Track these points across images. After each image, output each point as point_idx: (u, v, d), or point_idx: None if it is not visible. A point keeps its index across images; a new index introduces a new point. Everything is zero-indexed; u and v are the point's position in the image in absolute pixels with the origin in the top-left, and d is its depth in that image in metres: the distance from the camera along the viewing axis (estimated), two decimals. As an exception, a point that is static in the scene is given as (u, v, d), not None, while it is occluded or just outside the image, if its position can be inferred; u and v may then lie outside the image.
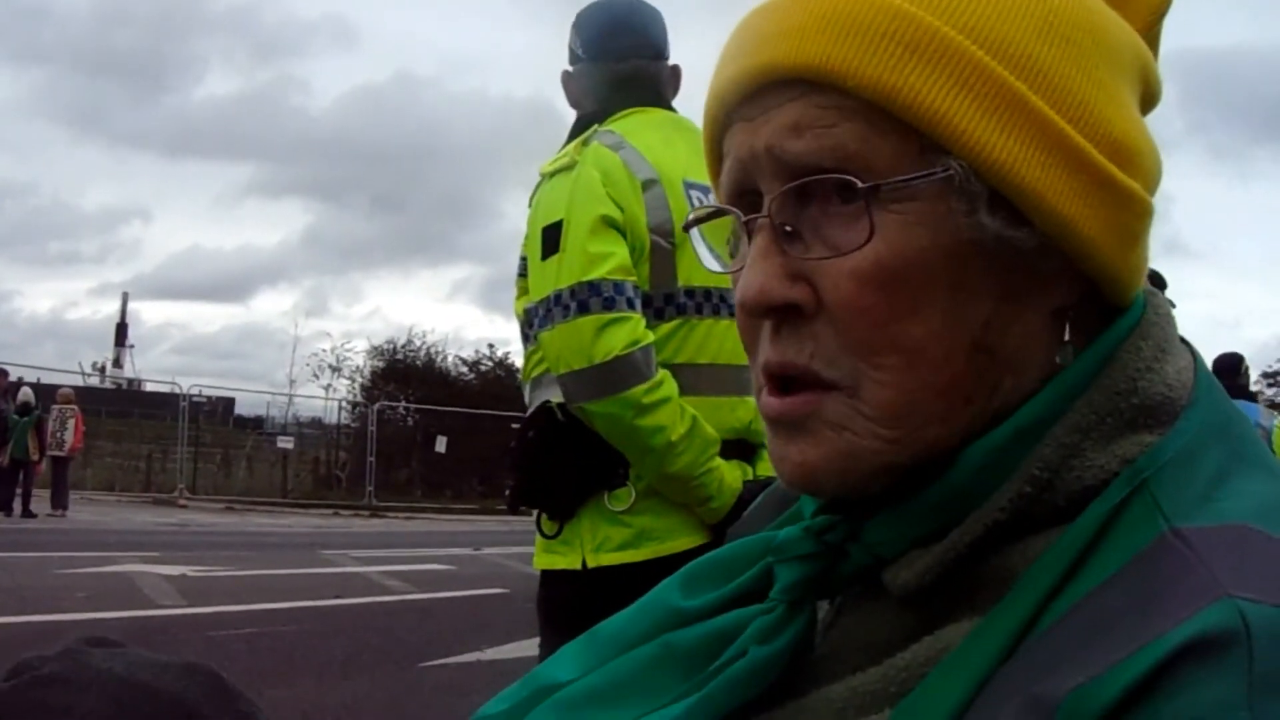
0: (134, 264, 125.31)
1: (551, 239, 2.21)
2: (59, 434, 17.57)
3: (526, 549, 2.53)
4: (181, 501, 22.18)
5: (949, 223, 0.60)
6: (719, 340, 2.23)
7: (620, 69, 2.42)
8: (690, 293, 2.23)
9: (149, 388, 41.05)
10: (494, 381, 29.35)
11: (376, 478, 24.51)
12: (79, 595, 8.38)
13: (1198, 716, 0.47)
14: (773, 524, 0.74)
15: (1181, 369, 0.64)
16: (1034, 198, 0.60)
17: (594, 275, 2.13)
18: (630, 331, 2.11)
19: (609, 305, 2.12)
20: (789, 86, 0.62)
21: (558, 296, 2.16)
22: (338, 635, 7.39)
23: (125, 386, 47.58)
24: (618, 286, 2.14)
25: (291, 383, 31.60)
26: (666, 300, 2.23)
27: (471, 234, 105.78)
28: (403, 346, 30.49)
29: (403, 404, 28.15)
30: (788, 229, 0.63)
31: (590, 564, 2.19)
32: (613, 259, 2.15)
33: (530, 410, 2.34)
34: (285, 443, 27.85)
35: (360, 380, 29.78)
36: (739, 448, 2.23)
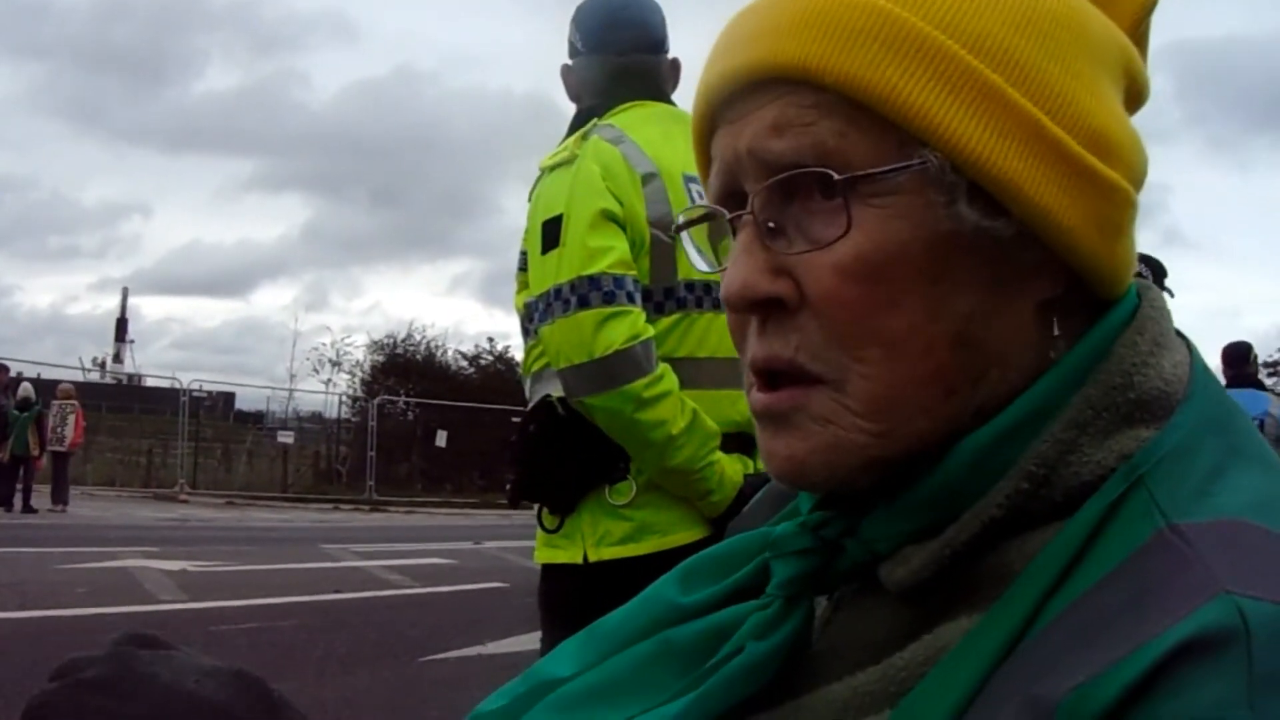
0: (134, 259, 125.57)
1: (551, 233, 2.21)
2: (59, 429, 17.57)
3: (527, 543, 2.53)
4: (182, 496, 22.20)
5: (928, 215, 0.60)
6: (719, 334, 2.22)
7: (620, 62, 2.42)
8: (690, 286, 2.23)
9: (149, 383, 41.02)
10: (494, 376, 29.35)
11: (377, 472, 24.50)
12: (80, 590, 8.38)
13: (1198, 716, 0.47)
14: (771, 520, 0.74)
15: (1178, 363, 0.64)
16: (1011, 188, 0.60)
17: (594, 269, 2.13)
18: (630, 325, 2.11)
19: (609, 299, 2.12)
20: (769, 87, 0.63)
21: (558, 291, 2.16)
22: (338, 629, 7.39)
23: (125, 381, 47.53)
24: (618, 281, 2.14)
25: (292, 377, 31.67)
26: (666, 294, 2.23)
27: (471, 228, 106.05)
28: (403, 341, 30.51)
29: (403, 398, 28.13)
30: (771, 225, 0.63)
31: (591, 558, 2.19)
32: (613, 253, 2.15)
33: (531, 405, 2.34)
34: (286, 437, 27.90)
35: (360, 375, 29.82)
36: (740, 441, 2.22)
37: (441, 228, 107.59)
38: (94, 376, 44.38)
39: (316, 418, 32.16)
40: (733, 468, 2.19)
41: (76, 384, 21.24)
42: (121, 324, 60.81)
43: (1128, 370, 0.61)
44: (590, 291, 2.12)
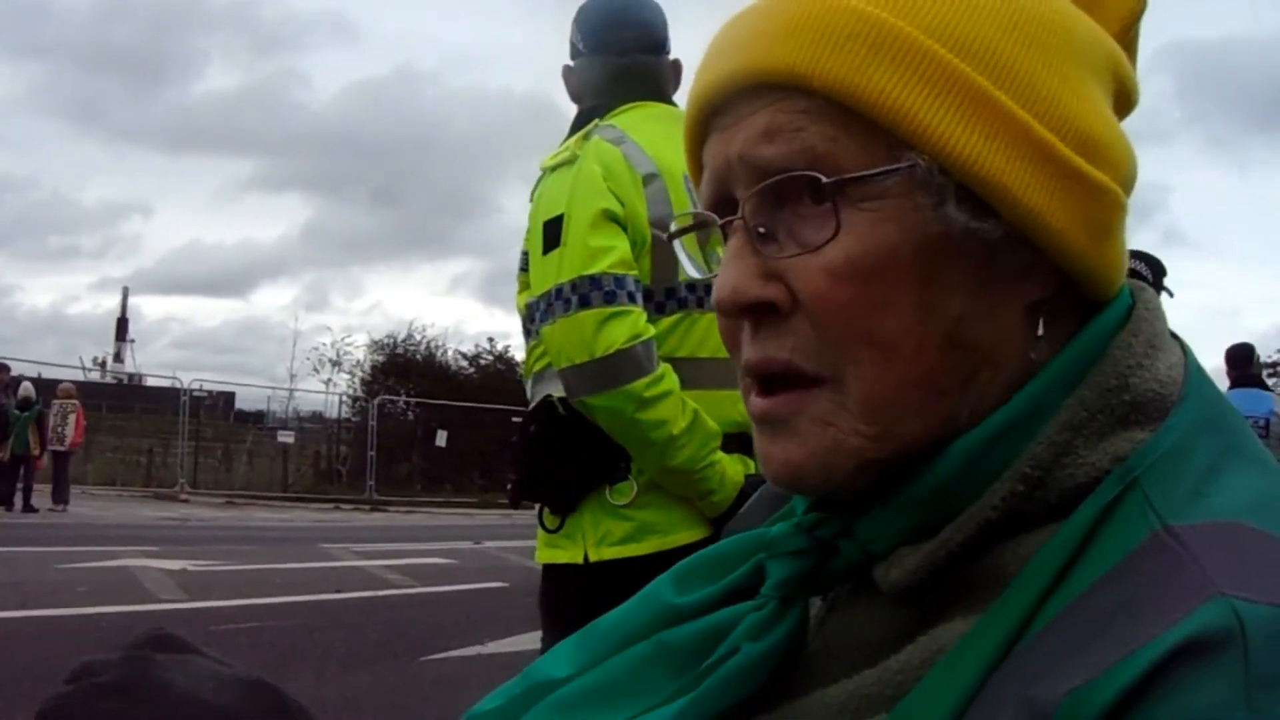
0: (134, 259, 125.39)
1: (552, 233, 2.21)
2: (60, 429, 17.57)
3: (527, 543, 2.54)
4: (182, 496, 22.20)
5: (917, 217, 0.61)
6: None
7: (621, 63, 2.42)
8: (691, 287, 2.23)
9: (150, 382, 40.95)
10: (494, 375, 29.35)
11: (377, 472, 24.49)
12: (80, 590, 8.38)
13: (1196, 718, 0.47)
14: (768, 521, 0.74)
15: (1173, 364, 0.64)
16: (998, 189, 0.60)
17: (595, 269, 2.13)
18: (631, 325, 2.11)
19: (610, 299, 2.12)
20: (760, 94, 0.64)
21: (559, 290, 2.16)
22: (338, 629, 7.39)
23: (126, 381, 47.48)
24: (619, 280, 2.14)
25: (292, 377, 31.66)
26: (668, 294, 2.23)
27: (471, 228, 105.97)
28: (403, 341, 30.49)
29: (403, 398, 28.12)
30: (761, 230, 0.64)
31: (592, 558, 2.19)
32: (614, 253, 2.15)
33: (532, 405, 2.34)
34: (286, 437, 27.91)
35: (360, 374, 29.80)
36: (741, 441, 2.21)
37: (442, 227, 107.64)
38: (94, 376, 44.36)
39: (317, 417, 32.21)
40: (734, 468, 2.19)
41: (77, 383, 21.26)
42: (122, 323, 60.78)
43: (1122, 372, 0.62)
44: (591, 291, 2.12)
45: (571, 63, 2.52)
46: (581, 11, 2.50)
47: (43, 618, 7.14)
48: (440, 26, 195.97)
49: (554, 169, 2.33)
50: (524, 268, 2.38)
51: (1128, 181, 0.65)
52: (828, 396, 0.62)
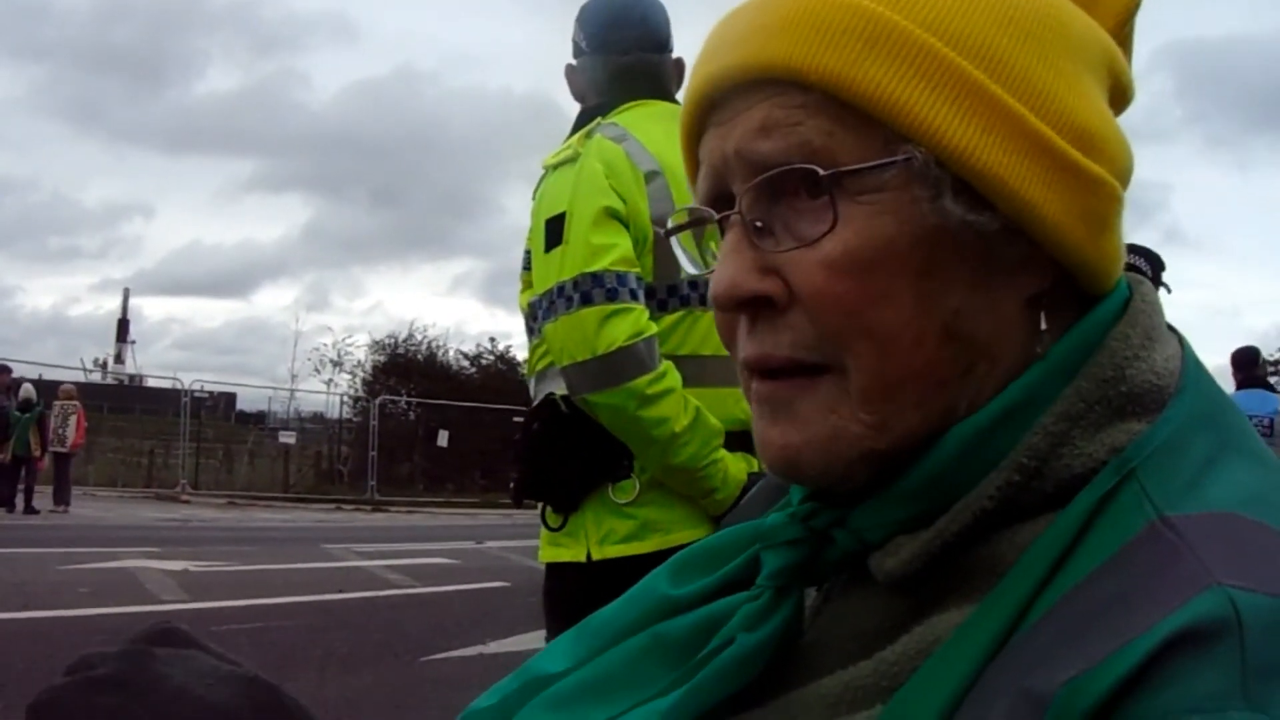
0: (135, 260, 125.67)
1: (555, 231, 2.21)
2: (61, 430, 17.58)
3: (529, 542, 2.54)
4: (184, 497, 22.21)
5: (914, 210, 0.61)
6: (723, 332, 2.22)
7: (623, 62, 2.42)
8: (694, 284, 2.23)
9: (151, 383, 40.96)
10: (495, 375, 29.38)
11: (378, 472, 24.50)
12: (82, 591, 8.39)
13: (1192, 708, 0.47)
14: (766, 514, 0.74)
15: (1169, 357, 0.64)
16: (994, 181, 0.61)
17: (597, 266, 2.13)
18: (633, 323, 2.11)
19: (612, 296, 2.12)
20: (756, 89, 0.64)
21: (561, 288, 2.16)
22: (340, 629, 7.40)
23: (127, 382, 47.51)
24: (620, 278, 2.13)
25: (293, 377, 31.64)
26: (670, 292, 2.23)
27: (472, 228, 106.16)
28: (404, 341, 30.49)
29: (404, 398, 28.14)
30: (758, 224, 0.64)
31: (595, 556, 2.19)
32: (616, 250, 2.15)
33: (535, 403, 2.34)
34: (287, 437, 27.91)
35: (362, 375, 29.79)
36: (744, 439, 2.20)
37: (442, 227, 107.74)
38: (95, 377, 44.37)
39: (318, 418, 32.21)
40: (736, 466, 2.19)
41: (78, 385, 21.28)
42: (123, 325, 60.81)
43: (1119, 363, 0.62)
44: (593, 289, 2.12)
45: (574, 62, 2.52)
46: (584, 11, 2.50)
47: (44, 619, 7.14)
48: (440, 26, 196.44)
49: (556, 167, 2.33)
50: (527, 266, 2.38)
51: (1124, 175, 0.65)
52: (833, 382, 0.62)
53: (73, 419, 17.82)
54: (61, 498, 17.32)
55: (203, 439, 26.63)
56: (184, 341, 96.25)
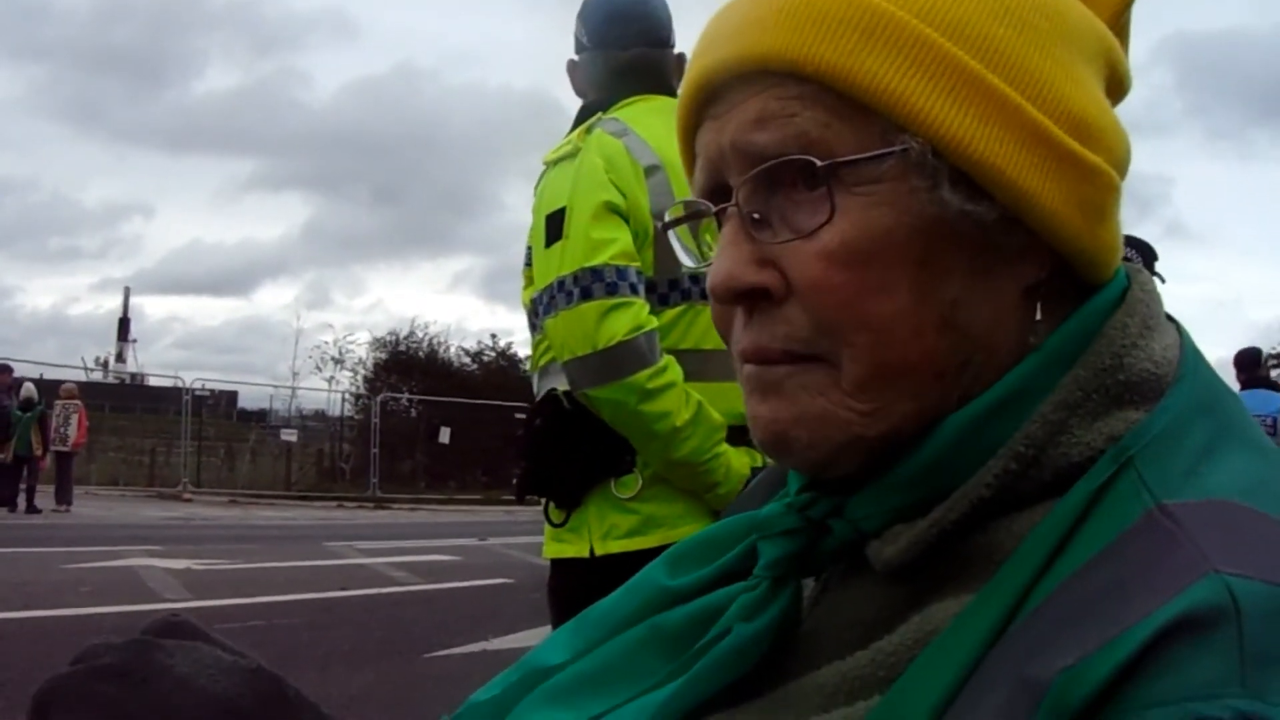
0: (136, 259, 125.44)
1: (555, 226, 2.22)
2: (62, 429, 17.58)
3: (531, 539, 2.54)
4: (186, 495, 22.23)
5: (912, 201, 0.61)
6: (725, 326, 2.21)
7: (624, 57, 2.43)
8: (695, 278, 2.22)
9: (152, 382, 41.15)
10: (496, 372, 29.40)
11: (380, 469, 24.52)
12: (84, 590, 8.40)
13: (1189, 695, 0.47)
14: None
15: (1168, 346, 0.64)
16: (992, 171, 0.61)
17: (597, 261, 2.13)
18: (633, 317, 2.11)
19: (612, 290, 2.12)
20: (752, 81, 0.64)
21: (561, 283, 2.16)
22: (343, 627, 7.41)
23: (128, 381, 47.58)
24: (620, 272, 2.13)
25: (294, 375, 31.62)
26: (671, 286, 2.23)
27: (472, 225, 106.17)
28: (405, 338, 30.51)
29: (406, 395, 28.15)
30: (756, 216, 0.64)
31: (598, 551, 2.19)
32: (615, 244, 2.15)
33: (538, 399, 2.34)
34: (289, 435, 27.94)
35: (363, 372, 29.80)
36: (746, 434, 2.19)
37: (443, 225, 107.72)
38: (97, 376, 44.45)
39: (320, 415, 32.17)
40: (739, 460, 2.19)
41: (79, 384, 21.30)
42: (124, 324, 60.78)
43: (1117, 352, 0.62)
44: (593, 283, 2.12)
45: (576, 57, 2.52)
46: (585, 7, 2.50)
47: (47, 618, 7.14)
48: (440, 24, 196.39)
49: (556, 163, 2.34)
50: (529, 263, 2.39)
51: (1121, 164, 0.65)
52: (822, 371, 0.62)
53: (74, 418, 17.82)
54: (63, 497, 17.32)
55: (204, 437, 26.62)
56: (185, 340, 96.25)
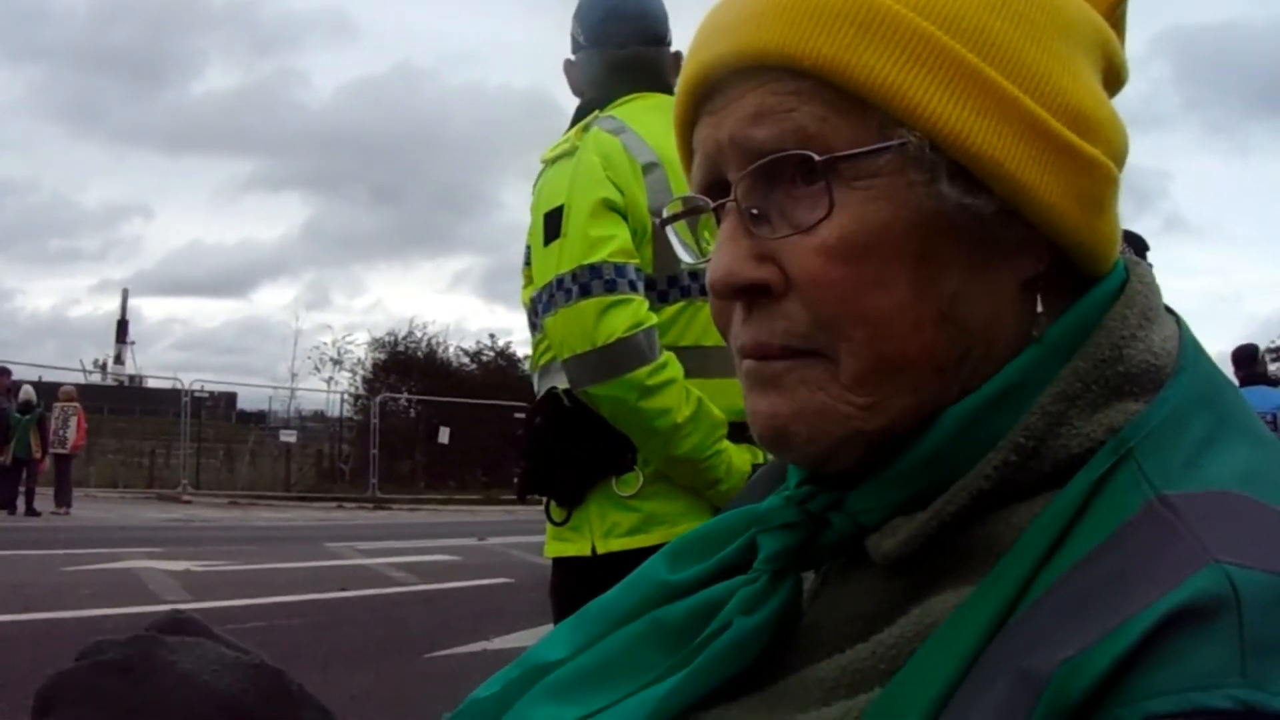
0: (135, 260, 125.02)
1: (553, 224, 2.22)
2: (61, 431, 17.59)
3: (531, 538, 2.54)
4: (185, 497, 22.23)
5: (910, 195, 0.61)
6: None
7: (620, 55, 2.43)
8: (694, 275, 2.23)
9: (151, 384, 40.96)
10: (496, 372, 29.40)
11: (380, 470, 24.51)
12: (84, 592, 8.39)
13: (1190, 685, 0.47)
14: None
15: (1167, 337, 0.64)
16: (990, 164, 0.61)
17: (595, 258, 2.13)
18: (632, 314, 2.11)
19: (611, 288, 2.12)
20: (749, 76, 0.64)
21: (560, 281, 2.16)
22: (343, 627, 7.41)
23: (127, 383, 47.48)
24: (619, 269, 2.13)
25: (294, 376, 31.60)
26: (670, 283, 2.23)
27: (472, 225, 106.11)
28: (404, 338, 30.48)
29: (405, 395, 28.15)
30: (754, 212, 0.64)
31: (600, 550, 2.19)
32: (614, 242, 2.15)
33: (538, 397, 2.34)
34: (288, 436, 27.92)
35: (362, 373, 29.78)
36: (747, 430, 2.19)
37: (442, 224, 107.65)
38: (95, 378, 44.31)
39: (319, 416, 32.18)
40: (740, 457, 2.19)
41: (78, 386, 21.28)
42: (122, 325, 60.64)
43: (1116, 343, 0.62)
44: (592, 280, 2.12)
45: (573, 56, 2.53)
46: (581, 6, 2.51)
47: (46, 620, 7.14)
48: (439, 24, 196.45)
49: (554, 161, 2.34)
50: (528, 262, 2.39)
51: (1119, 156, 0.65)
52: (821, 366, 0.62)
53: (73, 420, 17.83)
54: (63, 499, 17.33)
55: (203, 439, 26.63)
56: (184, 341, 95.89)
